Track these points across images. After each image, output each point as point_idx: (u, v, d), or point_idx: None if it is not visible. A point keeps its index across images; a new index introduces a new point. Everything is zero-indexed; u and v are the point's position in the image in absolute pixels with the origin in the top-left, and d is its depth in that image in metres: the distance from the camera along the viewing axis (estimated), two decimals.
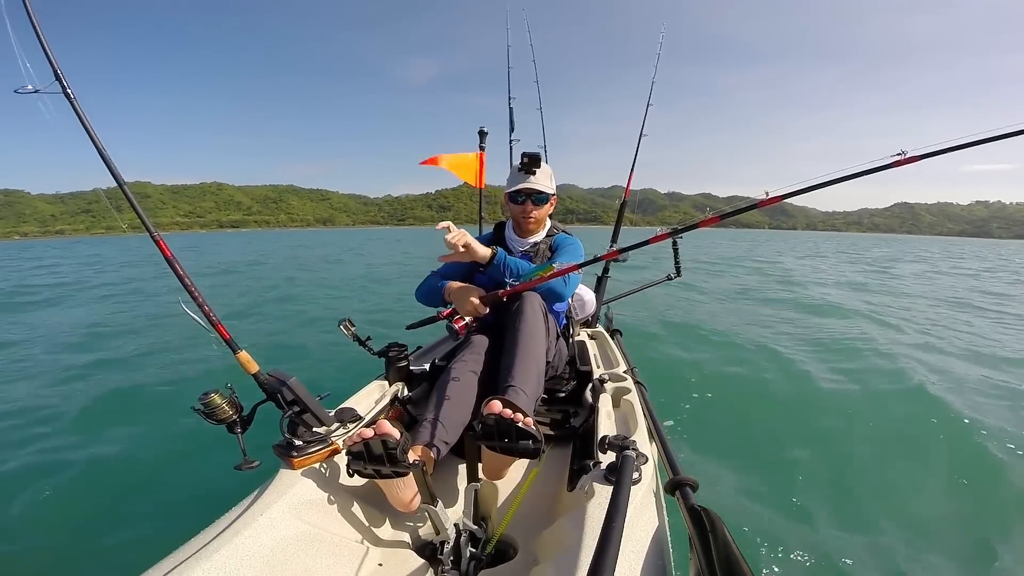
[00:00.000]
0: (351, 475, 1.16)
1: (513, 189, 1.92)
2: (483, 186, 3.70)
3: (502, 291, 1.73)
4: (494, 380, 1.56)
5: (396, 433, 1.11)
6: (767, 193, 1.47)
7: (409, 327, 1.94)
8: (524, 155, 1.90)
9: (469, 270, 2.04)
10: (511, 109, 3.86)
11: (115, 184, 1.15)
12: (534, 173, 1.92)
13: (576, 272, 1.79)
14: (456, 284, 1.83)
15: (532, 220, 1.98)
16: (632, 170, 3.76)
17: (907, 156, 1.29)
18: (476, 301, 1.72)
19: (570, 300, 2.18)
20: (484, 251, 1.77)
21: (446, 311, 1.83)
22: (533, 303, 1.74)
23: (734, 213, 1.58)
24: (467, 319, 1.73)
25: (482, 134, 3.52)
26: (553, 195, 1.99)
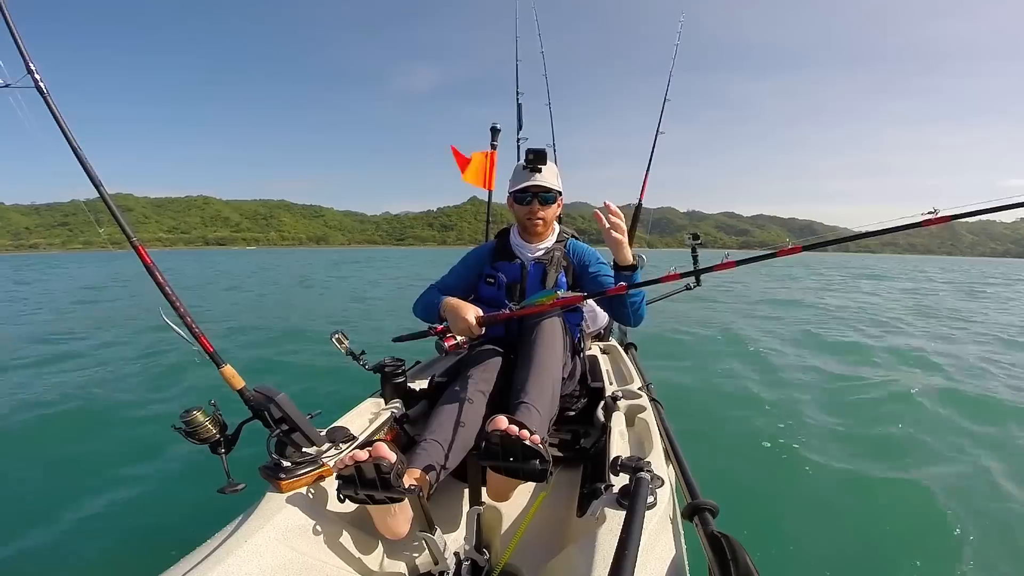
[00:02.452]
0: (341, 500, 1.16)
1: (518, 188, 1.91)
2: (492, 187, 3.64)
3: (501, 314, 1.72)
4: (503, 400, 1.56)
5: (391, 456, 1.11)
6: (788, 241, 1.48)
7: (396, 339, 1.93)
8: (529, 151, 1.90)
9: (472, 284, 2.04)
10: (519, 105, 3.84)
11: (96, 195, 1.17)
12: (540, 170, 1.91)
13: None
14: (452, 300, 1.82)
15: (540, 221, 1.96)
16: (648, 170, 3.77)
17: (938, 215, 1.30)
18: (471, 321, 1.71)
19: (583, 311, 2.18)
20: (629, 252, 1.74)
21: (439, 326, 1.84)
22: (553, 312, 1.75)
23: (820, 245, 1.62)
24: (459, 339, 1.73)
25: (494, 131, 3.46)
26: (561, 194, 1.99)
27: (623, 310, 1.81)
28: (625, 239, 1.70)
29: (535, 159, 1.90)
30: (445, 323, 1.84)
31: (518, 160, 3.77)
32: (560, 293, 1.68)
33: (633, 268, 1.76)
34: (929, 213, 1.31)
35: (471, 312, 1.74)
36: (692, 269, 1.70)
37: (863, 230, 1.45)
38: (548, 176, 1.92)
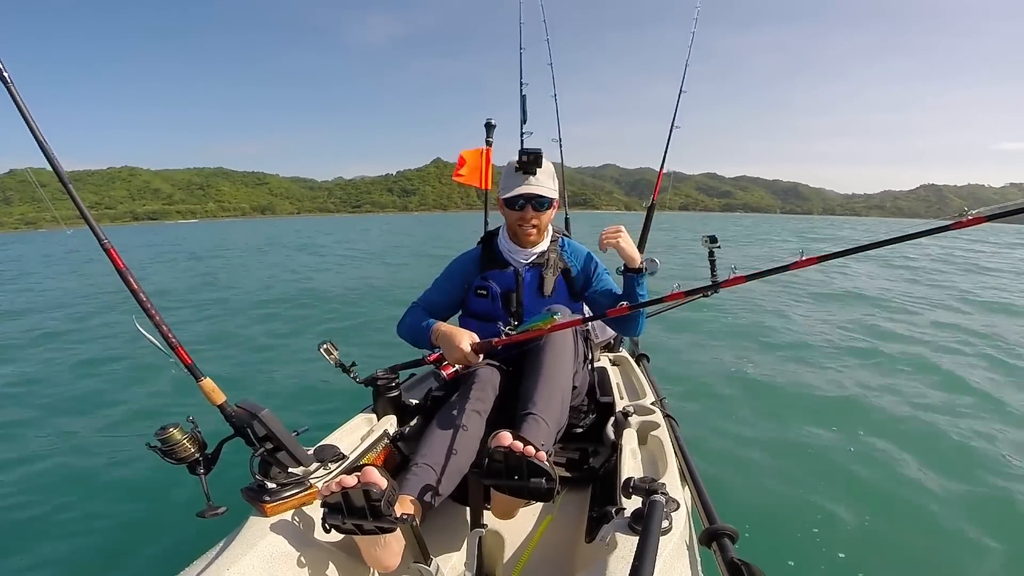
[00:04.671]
0: (327, 531, 1.14)
1: (510, 194, 1.86)
2: (490, 187, 3.63)
3: (496, 340, 1.68)
4: (504, 419, 1.56)
5: (382, 482, 1.09)
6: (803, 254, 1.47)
7: (392, 369, 1.94)
8: (522, 152, 1.85)
9: (459, 298, 2.02)
10: (523, 96, 3.81)
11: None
12: (534, 173, 1.85)
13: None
14: (443, 327, 1.77)
15: (533, 229, 1.91)
16: (662, 168, 3.77)
17: (968, 218, 1.30)
18: (466, 349, 1.67)
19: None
20: (637, 253, 1.85)
21: (433, 355, 1.83)
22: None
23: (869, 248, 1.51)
24: (457, 366, 1.72)
25: (489, 127, 3.43)
26: (556, 199, 1.94)
27: (625, 324, 1.89)
28: (626, 245, 1.81)
29: (529, 162, 1.83)
30: (438, 349, 1.81)
31: (513, 158, 3.76)
32: (558, 317, 1.63)
33: (639, 271, 1.82)
34: (958, 216, 1.30)
35: (466, 339, 1.69)
36: (702, 285, 1.69)
37: (882, 238, 1.41)
38: (543, 179, 1.86)
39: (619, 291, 1.94)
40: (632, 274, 1.84)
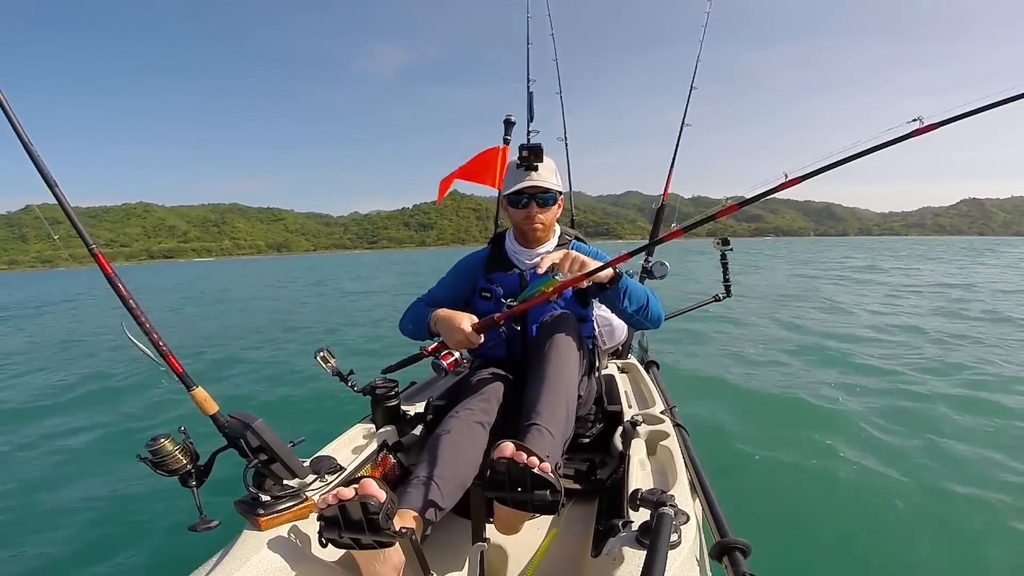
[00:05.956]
0: (323, 545, 1.15)
1: (512, 190, 1.87)
2: (502, 186, 3.61)
3: (498, 315, 1.69)
4: (508, 430, 1.56)
5: (380, 494, 1.08)
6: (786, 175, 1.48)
7: (386, 371, 1.93)
8: (522, 148, 1.86)
9: (464, 298, 2.02)
10: (530, 95, 3.81)
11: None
12: (536, 168, 1.86)
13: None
14: (443, 311, 1.80)
15: (539, 226, 1.92)
16: (672, 166, 3.77)
17: (925, 124, 1.33)
18: (467, 330, 1.68)
19: (596, 324, 2.16)
20: (606, 271, 1.68)
21: (431, 345, 1.82)
22: (568, 324, 1.74)
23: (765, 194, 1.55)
24: (457, 354, 1.72)
25: (508, 123, 3.42)
26: (561, 193, 1.95)
27: (639, 316, 1.81)
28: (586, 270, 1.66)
29: (530, 156, 1.85)
30: (437, 338, 1.82)
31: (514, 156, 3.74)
32: (560, 277, 1.62)
33: (614, 281, 1.72)
34: (914, 121, 1.34)
35: (466, 320, 1.71)
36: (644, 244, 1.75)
37: (847, 154, 1.42)
38: (545, 174, 1.87)
39: (643, 290, 1.85)
40: (609, 289, 1.74)
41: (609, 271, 1.68)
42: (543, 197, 1.88)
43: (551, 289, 1.63)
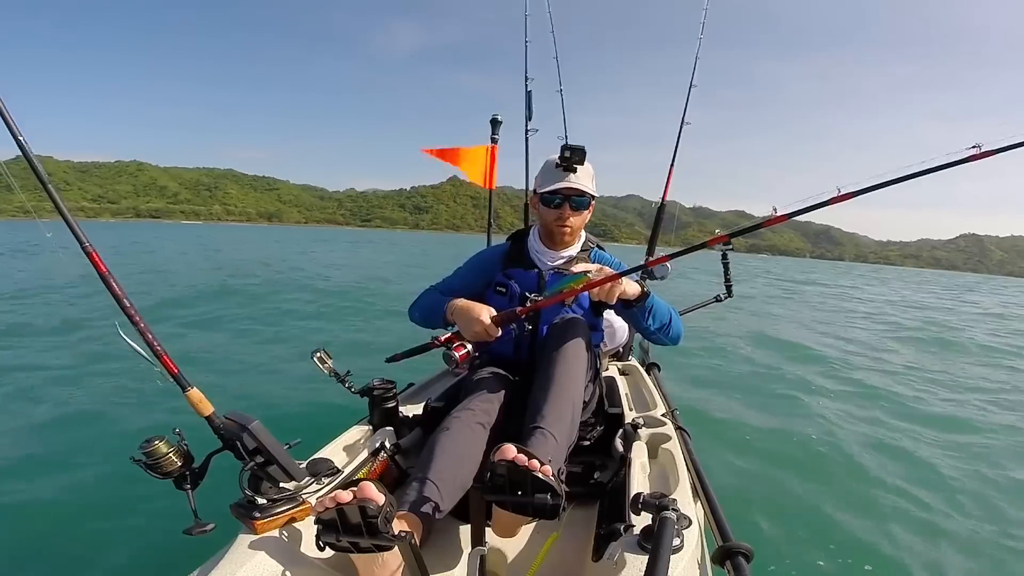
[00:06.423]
0: (321, 549, 1.14)
1: (548, 189, 1.87)
2: (494, 187, 3.61)
3: (521, 308, 1.71)
4: (510, 432, 1.55)
5: (379, 497, 1.08)
6: (839, 189, 1.50)
7: (390, 360, 1.92)
8: (565, 147, 1.84)
9: (478, 292, 2.02)
10: (529, 92, 3.82)
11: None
12: (575, 171, 1.85)
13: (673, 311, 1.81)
14: (461, 301, 1.82)
15: (568, 229, 1.92)
16: (672, 167, 3.77)
17: (983, 150, 1.33)
18: (486, 321, 1.70)
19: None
20: (634, 287, 1.71)
21: (444, 336, 1.82)
22: (576, 328, 1.73)
23: (802, 211, 1.58)
24: (470, 347, 1.72)
25: (495, 123, 3.44)
26: (595, 198, 1.95)
27: (660, 332, 1.84)
28: (623, 290, 1.68)
29: (572, 157, 1.83)
30: (451, 328, 1.83)
31: (526, 153, 3.76)
32: (591, 275, 1.63)
33: (641, 299, 1.74)
34: (972, 148, 1.34)
35: (485, 312, 1.72)
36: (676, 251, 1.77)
37: (901, 174, 1.43)
38: (583, 178, 1.87)
39: (667, 308, 1.87)
40: (635, 305, 1.76)
41: (637, 288, 1.71)
42: (578, 200, 1.89)
43: (580, 287, 1.64)
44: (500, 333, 1.74)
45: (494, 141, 3.43)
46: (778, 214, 1.55)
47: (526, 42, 3.97)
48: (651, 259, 1.75)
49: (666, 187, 3.76)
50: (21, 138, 1.08)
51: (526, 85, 3.82)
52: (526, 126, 3.73)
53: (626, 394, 2.32)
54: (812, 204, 1.53)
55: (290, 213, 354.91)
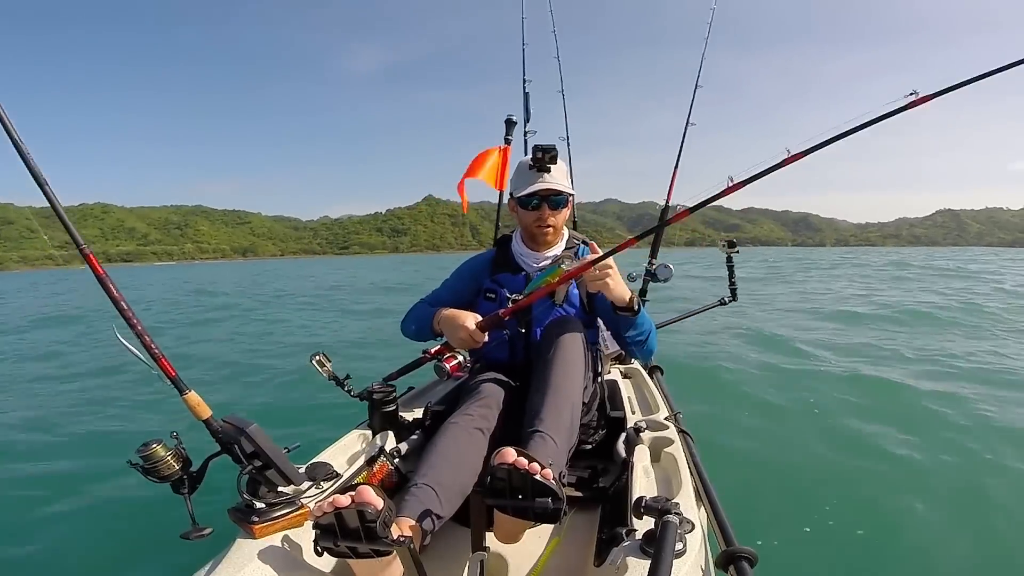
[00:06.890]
0: (319, 554, 1.14)
1: (525, 192, 1.88)
2: (504, 187, 3.61)
3: (503, 310, 1.71)
4: (510, 437, 1.55)
5: (377, 502, 1.08)
6: (788, 151, 1.54)
7: (388, 379, 1.93)
8: (536, 148, 1.85)
9: (468, 300, 2.03)
10: (526, 95, 3.83)
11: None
12: (548, 170, 1.86)
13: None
14: (446, 310, 1.82)
15: (549, 229, 1.93)
16: (676, 167, 3.77)
17: (920, 96, 1.38)
18: (471, 327, 1.70)
19: (600, 328, 2.16)
20: (624, 290, 1.70)
21: (434, 348, 1.82)
22: (573, 328, 1.74)
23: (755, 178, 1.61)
24: (461, 356, 1.72)
25: (509, 123, 3.43)
26: (571, 195, 1.96)
27: (633, 344, 1.85)
28: (615, 285, 1.67)
29: (544, 157, 1.84)
30: (440, 340, 1.84)
31: (525, 156, 3.74)
32: (565, 267, 1.64)
33: (633, 309, 1.73)
34: (910, 95, 1.39)
35: (470, 318, 1.73)
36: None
37: (846, 129, 1.47)
38: (558, 176, 1.88)
39: (649, 323, 1.87)
40: (625, 314, 1.75)
41: (627, 290, 1.71)
42: (555, 200, 1.89)
43: (557, 280, 1.65)
44: (486, 339, 1.74)
45: (507, 142, 3.44)
46: (734, 183, 1.57)
47: (523, 45, 3.98)
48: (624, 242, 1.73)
49: (670, 188, 3.76)
50: None
51: (524, 87, 3.83)
52: (524, 128, 3.73)
53: (628, 397, 2.32)
54: (766, 168, 1.55)
55: (265, 246, 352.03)
